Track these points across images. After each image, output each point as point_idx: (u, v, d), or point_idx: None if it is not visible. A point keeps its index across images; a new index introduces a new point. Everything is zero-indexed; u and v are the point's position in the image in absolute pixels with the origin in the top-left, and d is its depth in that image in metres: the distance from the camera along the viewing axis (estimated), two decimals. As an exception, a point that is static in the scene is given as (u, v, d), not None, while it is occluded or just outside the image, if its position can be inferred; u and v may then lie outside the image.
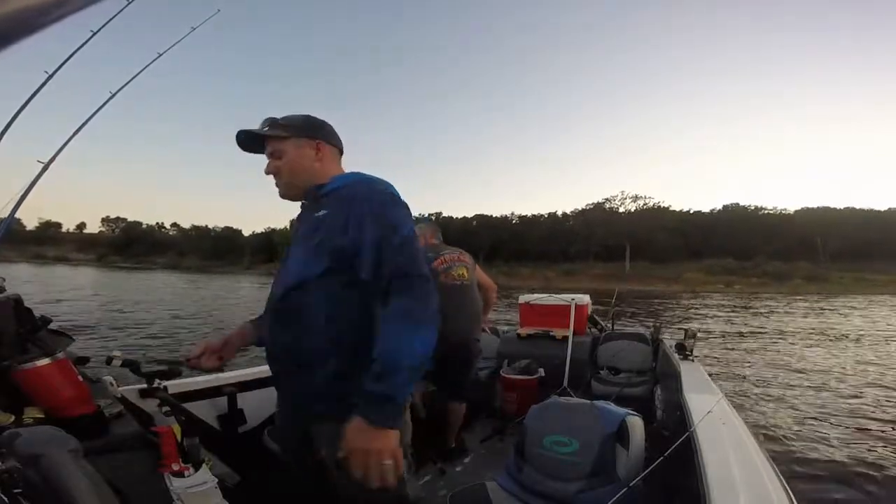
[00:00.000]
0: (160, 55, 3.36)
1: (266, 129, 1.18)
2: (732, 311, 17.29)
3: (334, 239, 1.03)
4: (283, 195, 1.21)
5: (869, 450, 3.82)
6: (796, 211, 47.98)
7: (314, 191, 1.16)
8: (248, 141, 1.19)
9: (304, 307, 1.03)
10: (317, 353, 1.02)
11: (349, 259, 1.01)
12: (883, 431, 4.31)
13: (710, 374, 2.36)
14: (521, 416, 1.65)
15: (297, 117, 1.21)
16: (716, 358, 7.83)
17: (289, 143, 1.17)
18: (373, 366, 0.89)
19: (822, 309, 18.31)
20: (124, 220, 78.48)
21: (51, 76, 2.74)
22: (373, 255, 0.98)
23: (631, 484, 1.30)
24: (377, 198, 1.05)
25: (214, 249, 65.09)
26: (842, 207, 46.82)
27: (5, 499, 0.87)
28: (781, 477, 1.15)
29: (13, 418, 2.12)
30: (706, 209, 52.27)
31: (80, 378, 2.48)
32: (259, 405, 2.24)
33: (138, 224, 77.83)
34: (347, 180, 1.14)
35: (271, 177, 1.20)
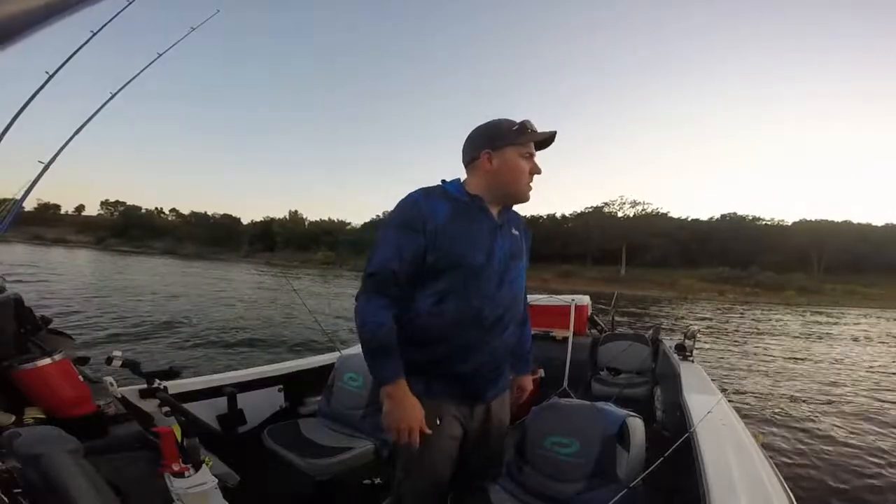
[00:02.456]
0: (160, 55, 3.35)
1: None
2: (716, 317, 17.36)
3: (525, 267, 1.37)
4: (501, 203, 1.28)
5: (868, 448, 3.82)
6: (794, 223, 47.99)
7: (507, 209, 1.32)
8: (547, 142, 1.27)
9: (514, 316, 1.31)
10: (506, 352, 1.33)
11: None
12: (879, 430, 4.31)
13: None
14: (522, 417, 1.65)
15: None
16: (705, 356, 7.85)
17: None
18: (530, 347, 1.49)
19: (806, 319, 18.43)
20: (123, 203, 77.68)
21: (51, 76, 2.73)
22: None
23: (631, 485, 1.29)
24: None
25: (213, 236, 64.55)
26: (840, 220, 46.90)
27: (5, 499, 0.87)
28: (781, 477, 1.15)
29: (13, 418, 2.12)
30: (704, 217, 52.16)
31: (81, 378, 2.48)
32: (259, 405, 2.23)
33: (137, 208, 77.16)
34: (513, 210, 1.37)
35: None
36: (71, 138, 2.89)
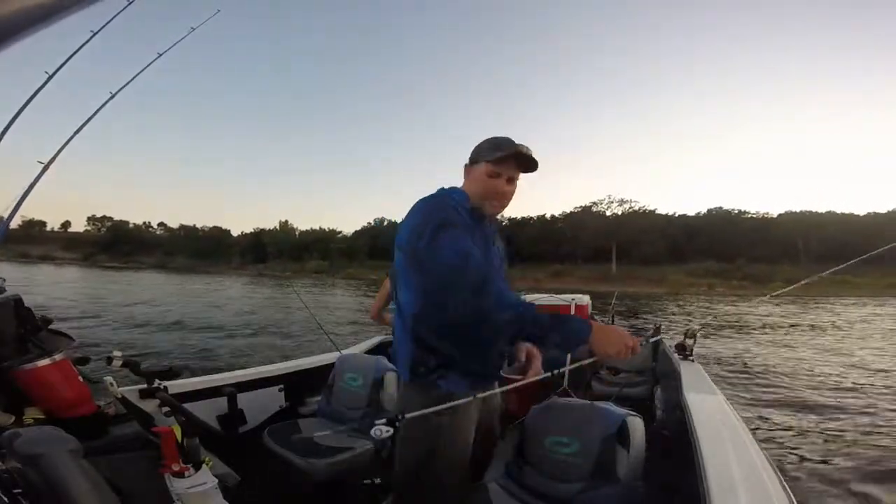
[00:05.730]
0: (160, 55, 3.35)
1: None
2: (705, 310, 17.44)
3: None
4: (492, 216, 1.37)
5: (867, 446, 3.82)
6: (779, 215, 48.39)
7: (494, 221, 1.42)
8: (517, 159, 1.28)
9: None
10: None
11: None
12: (878, 426, 4.31)
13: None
14: (522, 417, 1.65)
15: None
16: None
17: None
18: None
19: (793, 308, 18.51)
20: (110, 218, 77.28)
21: (51, 76, 2.73)
22: None
23: (631, 484, 1.30)
24: None
25: (203, 249, 64.10)
26: (823, 212, 47.28)
27: (5, 499, 0.87)
28: (781, 477, 1.15)
29: (13, 418, 2.12)
30: (691, 213, 52.58)
31: (81, 378, 2.48)
32: (259, 405, 2.24)
33: (125, 223, 76.59)
34: None
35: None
36: (71, 138, 2.89)
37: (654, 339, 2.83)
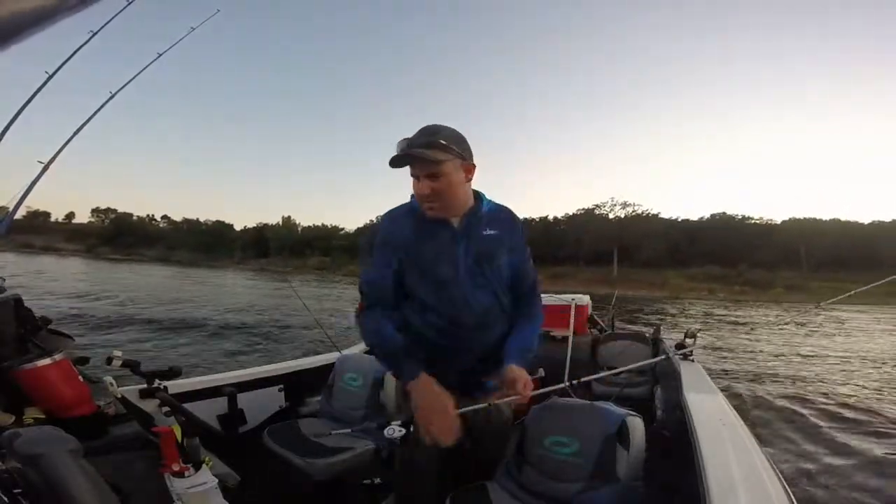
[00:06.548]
0: (160, 55, 3.36)
1: (428, 151, 1.15)
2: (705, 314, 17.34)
3: (521, 260, 1.35)
4: (434, 216, 1.25)
5: (867, 446, 3.82)
6: (783, 221, 48.17)
7: (473, 212, 1.29)
8: (402, 161, 1.17)
9: (499, 315, 1.32)
10: (498, 346, 1.30)
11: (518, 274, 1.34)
12: (879, 426, 4.31)
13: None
14: (522, 417, 1.65)
15: (454, 135, 1.20)
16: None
17: (448, 164, 1.17)
18: (523, 343, 1.29)
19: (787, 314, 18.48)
20: (114, 211, 76.25)
21: (51, 76, 2.74)
22: (532, 273, 1.38)
23: (631, 484, 1.30)
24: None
25: (205, 243, 63.44)
26: (827, 219, 47.08)
27: (5, 499, 0.87)
28: (781, 477, 1.15)
29: (13, 418, 2.13)
30: (694, 217, 52.11)
31: (81, 378, 2.48)
32: (259, 405, 2.24)
33: (129, 216, 75.84)
34: (495, 204, 1.36)
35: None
36: (71, 138, 2.89)
37: (655, 359, 2.60)
